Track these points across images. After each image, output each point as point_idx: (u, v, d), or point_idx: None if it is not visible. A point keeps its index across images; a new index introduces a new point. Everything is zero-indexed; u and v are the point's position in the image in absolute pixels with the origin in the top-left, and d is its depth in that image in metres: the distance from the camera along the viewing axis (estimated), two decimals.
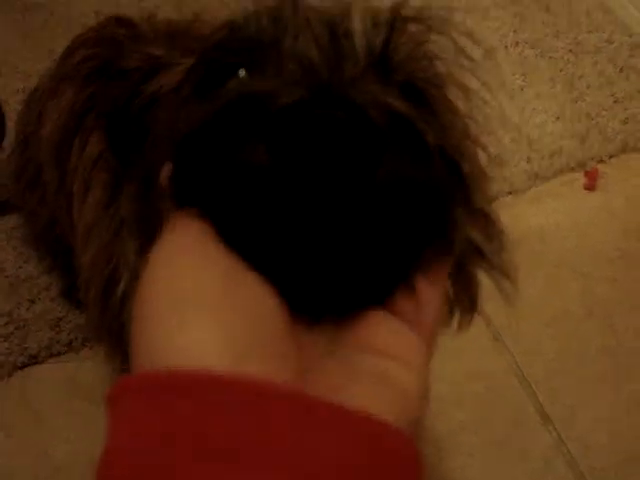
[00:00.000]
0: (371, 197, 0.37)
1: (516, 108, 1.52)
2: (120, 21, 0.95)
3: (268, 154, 0.36)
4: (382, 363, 0.39)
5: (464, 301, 0.55)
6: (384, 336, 0.40)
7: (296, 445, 0.30)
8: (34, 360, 1.13)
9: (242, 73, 0.47)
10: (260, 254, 0.38)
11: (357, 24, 0.47)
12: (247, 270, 0.37)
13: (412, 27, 0.50)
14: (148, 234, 0.52)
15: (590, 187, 1.40)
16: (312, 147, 0.35)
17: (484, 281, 1.15)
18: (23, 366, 1.13)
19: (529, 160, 1.43)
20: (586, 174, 1.41)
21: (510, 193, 1.38)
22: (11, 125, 1.37)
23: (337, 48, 0.45)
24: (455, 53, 0.53)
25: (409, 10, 0.50)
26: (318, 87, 0.38)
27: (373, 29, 0.47)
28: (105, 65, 0.85)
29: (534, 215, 1.36)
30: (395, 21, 0.48)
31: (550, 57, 1.63)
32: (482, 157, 0.58)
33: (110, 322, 0.73)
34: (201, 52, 0.51)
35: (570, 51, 1.65)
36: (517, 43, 1.66)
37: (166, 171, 0.44)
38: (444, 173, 0.43)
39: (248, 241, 0.38)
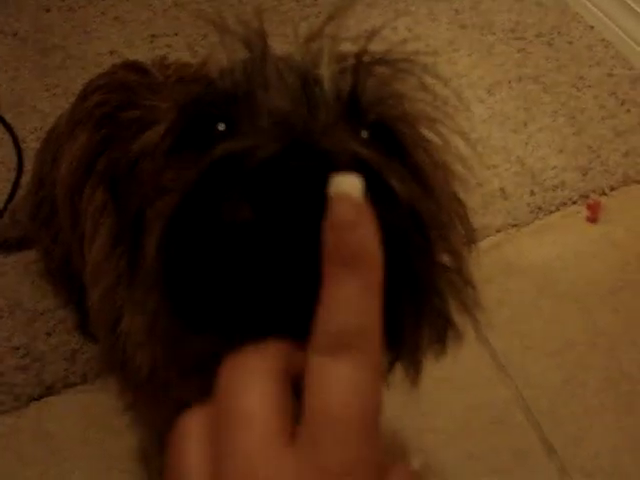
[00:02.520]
0: None
1: (519, 141, 1.55)
2: (132, 67, 0.99)
3: (252, 211, 0.38)
4: None
5: (432, 335, 0.55)
6: None
7: None
8: (50, 391, 1.17)
9: (221, 127, 0.49)
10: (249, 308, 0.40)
11: (325, 71, 0.49)
12: None
13: (379, 69, 0.52)
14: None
15: (592, 219, 1.43)
16: (289, 198, 0.37)
17: (486, 313, 1.17)
18: (39, 397, 1.16)
19: (532, 193, 1.46)
20: (588, 206, 1.44)
21: (514, 226, 1.41)
22: (28, 164, 1.42)
23: (308, 97, 0.47)
24: (422, 91, 0.56)
25: (376, 54, 0.52)
26: (291, 140, 0.39)
27: (341, 74, 0.50)
28: (116, 111, 0.88)
29: (537, 247, 1.39)
30: (360, 65, 0.50)
31: (553, 91, 1.67)
32: (461, 189, 0.60)
33: (119, 357, 0.76)
34: (180, 107, 0.54)
35: (572, 85, 1.68)
36: (520, 78, 1.69)
37: (153, 242, 0.46)
38: (408, 221, 0.44)
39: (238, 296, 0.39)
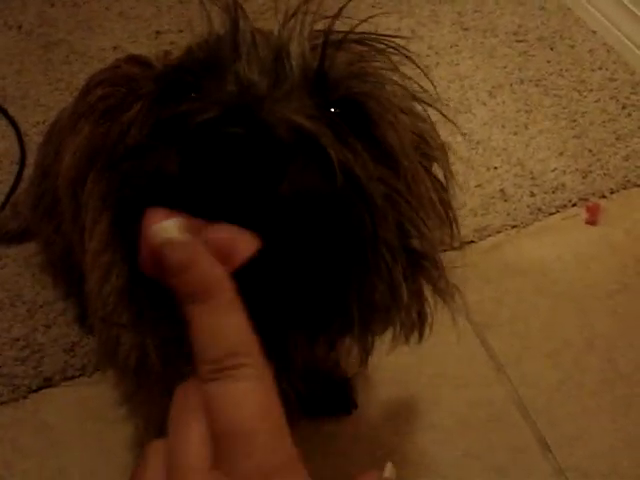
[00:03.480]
0: (275, 206, 0.41)
1: (520, 144, 1.56)
2: (136, 60, 0.99)
3: (178, 165, 0.41)
4: None
5: (412, 315, 0.55)
6: None
7: None
8: (49, 383, 1.17)
9: (193, 95, 0.52)
10: None
11: (295, 47, 0.51)
12: None
13: (350, 47, 0.54)
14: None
15: (591, 222, 1.43)
16: (216, 160, 0.39)
17: (485, 313, 1.18)
18: (38, 389, 1.17)
19: (532, 195, 1.46)
20: (588, 209, 1.45)
21: (513, 227, 1.42)
22: (31, 157, 1.42)
23: (277, 70, 0.49)
24: (391, 70, 0.58)
25: (353, 34, 0.54)
26: (236, 106, 0.42)
27: (311, 51, 0.52)
28: (119, 104, 0.89)
29: (536, 249, 1.39)
30: (328, 42, 0.52)
31: (554, 94, 1.68)
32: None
33: (114, 347, 0.76)
34: (156, 76, 0.56)
35: (574, 89, 1.69)
36: (522, 81, 1.70)
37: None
38: (349, 189, 0.45)
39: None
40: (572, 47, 1.80)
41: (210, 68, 0.51)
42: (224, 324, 0.35)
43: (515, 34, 1.82)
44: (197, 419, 0.36)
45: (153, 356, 0.65)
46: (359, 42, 0.56)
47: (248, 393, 0.34)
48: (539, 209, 1.44)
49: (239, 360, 0.35)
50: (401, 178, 0.55)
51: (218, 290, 0.35)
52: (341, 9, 0.55)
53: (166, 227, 0.37)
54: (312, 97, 0.50)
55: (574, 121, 1.62)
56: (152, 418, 1.00)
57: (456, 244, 0.57)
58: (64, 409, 1.15)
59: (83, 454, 1.10)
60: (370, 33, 0.56)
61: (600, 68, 1.74)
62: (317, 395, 1.09)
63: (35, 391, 1.17)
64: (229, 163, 0.39)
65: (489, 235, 1.40)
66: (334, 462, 1.10)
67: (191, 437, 0.36)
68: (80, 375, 1.18)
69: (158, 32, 1.74)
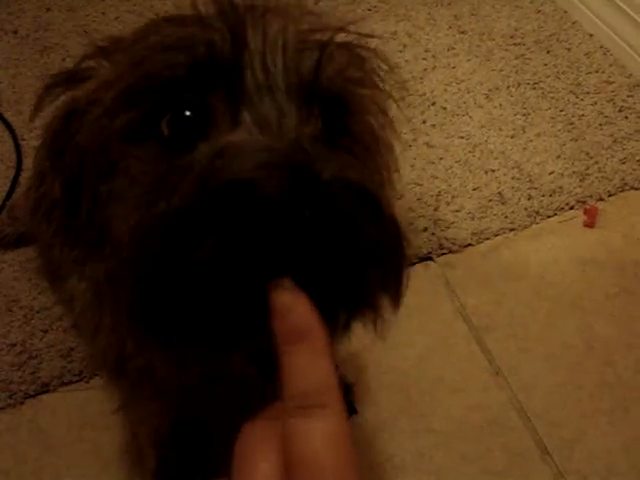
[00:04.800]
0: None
1: (517, 147, 1.56)
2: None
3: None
4: None
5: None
6: None
7: None
8: (46, 388, 1.17)
9: (188, 113, 0.52)
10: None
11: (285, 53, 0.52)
12: None
13: (341, 53, 0.55)
14: None
15: (589, 224, 1.43)
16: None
17: (483, 316, 1.18)
18: (35, 394, 1.16)
19: (530, 198, 1.46)
20: (585, 212, 1.45)
21: (511, 230, 1.42)
22: (27, 161, 1.42)
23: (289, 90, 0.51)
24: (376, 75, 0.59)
25: (339, 40, 0.55)
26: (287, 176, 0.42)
27: (302, 53, 0.53)
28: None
29: (534, 251, 1.39)
30: (323, 47, 0.53)
31: (551, 97, 1.68)
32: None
33: (107, 354, 0.76)
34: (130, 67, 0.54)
35: (570, 92, 1.69)
36: (519, 84, 1.70)
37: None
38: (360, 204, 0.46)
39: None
40: (569, 50, 1.80)
41: (213, 85, 0.51)
42: (316, 365, 0.39)
43: (512, 37, 1.83)
44: (264, 456, 0.40)
45: (156, 362, 0.65)
46: (348, 47, 0.56)
47: (328, 432, 0.38)
48: (537, 212, 1.44)
49: (324, 399, 0.38)
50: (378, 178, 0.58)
51: (315, 333, 0.39)
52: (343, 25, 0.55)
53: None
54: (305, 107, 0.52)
55: (571, 124, 1.62)
56: (149, 423, 1.00)
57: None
58: (61, 415, 1.14)
59: (80, 460, 1.10)
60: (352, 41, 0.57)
61: (597, 71, 1.74)
62: None
63: (32, 397, 1.16)
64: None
65: (487, 238, 1.40)
66: None
67: (259, 470, 0.39)
68: (77, 381, 1.18)
69: None
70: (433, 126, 1.59)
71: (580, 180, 1.50)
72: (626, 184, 1.51)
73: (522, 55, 1.78)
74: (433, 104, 1.64)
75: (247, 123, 0.49)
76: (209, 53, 0.51)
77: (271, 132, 0.48)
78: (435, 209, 1.43)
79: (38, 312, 1.24)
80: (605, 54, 1.79)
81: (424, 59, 1.74)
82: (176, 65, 0.51)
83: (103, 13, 1.81)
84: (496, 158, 1.53)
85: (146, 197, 0.49)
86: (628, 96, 1.68)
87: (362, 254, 0.44)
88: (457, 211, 1.43)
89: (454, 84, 1.69)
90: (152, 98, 0.52)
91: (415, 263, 1.35)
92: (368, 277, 0.46)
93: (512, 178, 1.50)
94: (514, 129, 1.60)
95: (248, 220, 0.40)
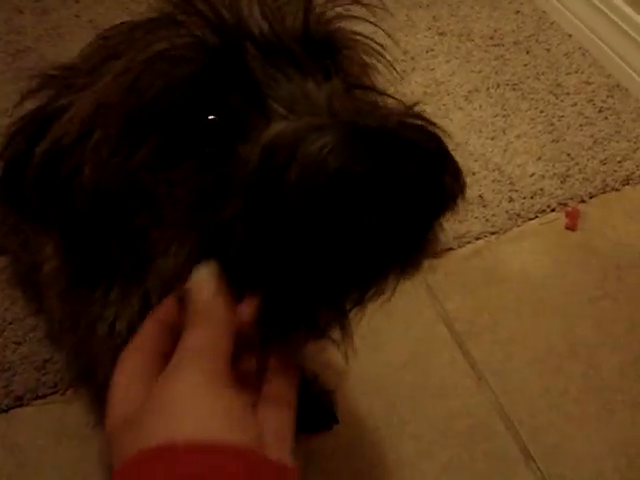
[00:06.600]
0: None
1: (498, 149, 1.55)
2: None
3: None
4: None
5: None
6: None
7: None
8: (19, 402, 1.13)
9: (211, 117, 0.51)
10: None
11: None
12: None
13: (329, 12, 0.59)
14: None
15: (571, 227, 1.42)
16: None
17: (465, 321, 1.17)
18: (8, 409, 1.13)
19: (511, 200, 1.45)
20: (567, 214, 1.44)
21: (492, 233, 1.40)
22: None
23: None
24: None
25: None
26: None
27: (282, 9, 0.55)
28: None
29: (516, 254, 1.38)
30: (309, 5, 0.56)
31: (531, 98, 1.67)
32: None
33: (83, 364, 0.74)
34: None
35: (550, 92, 1.68)
36: (498, 85, 1.69)
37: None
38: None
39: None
40: (548, 50, 1.79)
41: (226, 86, 0.51)
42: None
43: (491, 38, 1.82)
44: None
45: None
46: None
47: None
48: (518, 214, 1.43)
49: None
50: None
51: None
52: None
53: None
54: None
55: (551, 125, 1.61)
56: None
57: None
58: (36, 429, 1.11)
59: (56, 476, 1.07)
60: None
61: (576, 71, 1.74)
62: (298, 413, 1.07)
63: (5, 411, 1.13)
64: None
65: (468, 242, 1.39)
66: (314, 477, 1.08)
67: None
68: (52, 393, 1.15)
69: None
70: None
71: (561, 182, 1.49)
72: (607, 185, 1.50)
73: (501, 56, 1.77)
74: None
75: (279, 111, 0.50)
76: (210, 57, 0.50)
77: (309, 109, 0.49)
78: None
79: (11, 323, 1.21)
80: (584, 54, 1.78)
81: (403, 61, 1.72)
82: (179, 80, 0.50)
83: (77, 16, 1.78)
84: (476, 160, 1.52)
85: (200, 210, 0.50)
86: (607, 96, 1.68)
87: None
88: None
89: (433, 86, 1.68)
90: (169, 122, 0.51)
91: None
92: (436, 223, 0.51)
93: (493, 180, 1.48)
94: (494, 131, 1.59)
95: (387, 194, 0.44)
